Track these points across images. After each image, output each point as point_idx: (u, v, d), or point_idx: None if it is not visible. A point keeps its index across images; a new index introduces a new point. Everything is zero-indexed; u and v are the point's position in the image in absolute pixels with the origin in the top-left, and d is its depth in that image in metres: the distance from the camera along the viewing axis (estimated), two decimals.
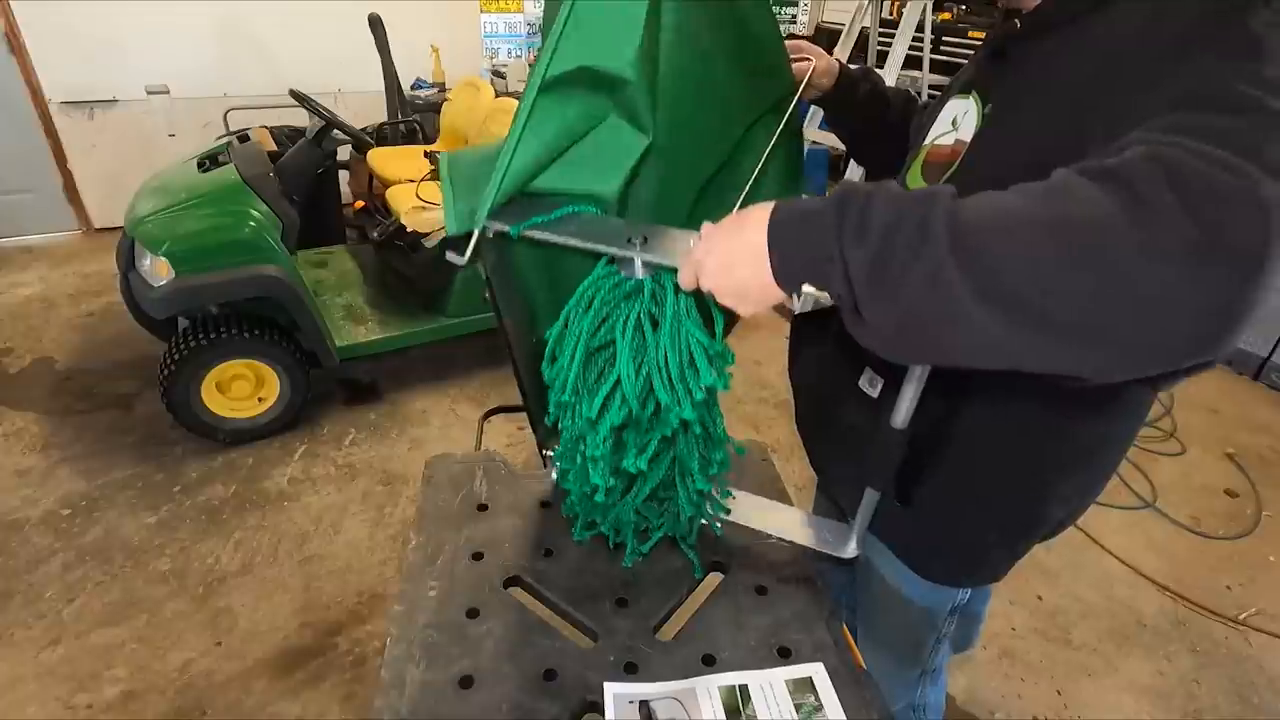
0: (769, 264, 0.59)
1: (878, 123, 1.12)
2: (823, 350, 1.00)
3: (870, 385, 0.91)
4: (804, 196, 0.63)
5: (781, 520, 1.04)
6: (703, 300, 0.72)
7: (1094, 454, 0.85)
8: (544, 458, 1.13)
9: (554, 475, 1.11)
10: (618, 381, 0.80)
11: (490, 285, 0.85)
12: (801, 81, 1.03)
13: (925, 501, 0.90)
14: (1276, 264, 0.42)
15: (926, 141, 0.88)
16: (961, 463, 0.86)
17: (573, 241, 0.75)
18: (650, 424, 0.85)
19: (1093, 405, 0.79)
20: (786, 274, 0.59)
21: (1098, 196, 0.44)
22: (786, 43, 1.01)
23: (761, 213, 0.60)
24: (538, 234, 0.76)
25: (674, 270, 0.71)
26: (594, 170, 0.78)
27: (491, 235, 0.76)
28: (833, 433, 1.03)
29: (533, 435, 1.11)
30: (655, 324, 0.77)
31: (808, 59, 1.04)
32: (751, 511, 1.05)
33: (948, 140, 0.83)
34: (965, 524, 0.91)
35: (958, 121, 0.83)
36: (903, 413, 0.78)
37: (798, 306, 0.61)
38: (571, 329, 0.81)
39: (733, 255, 0.62)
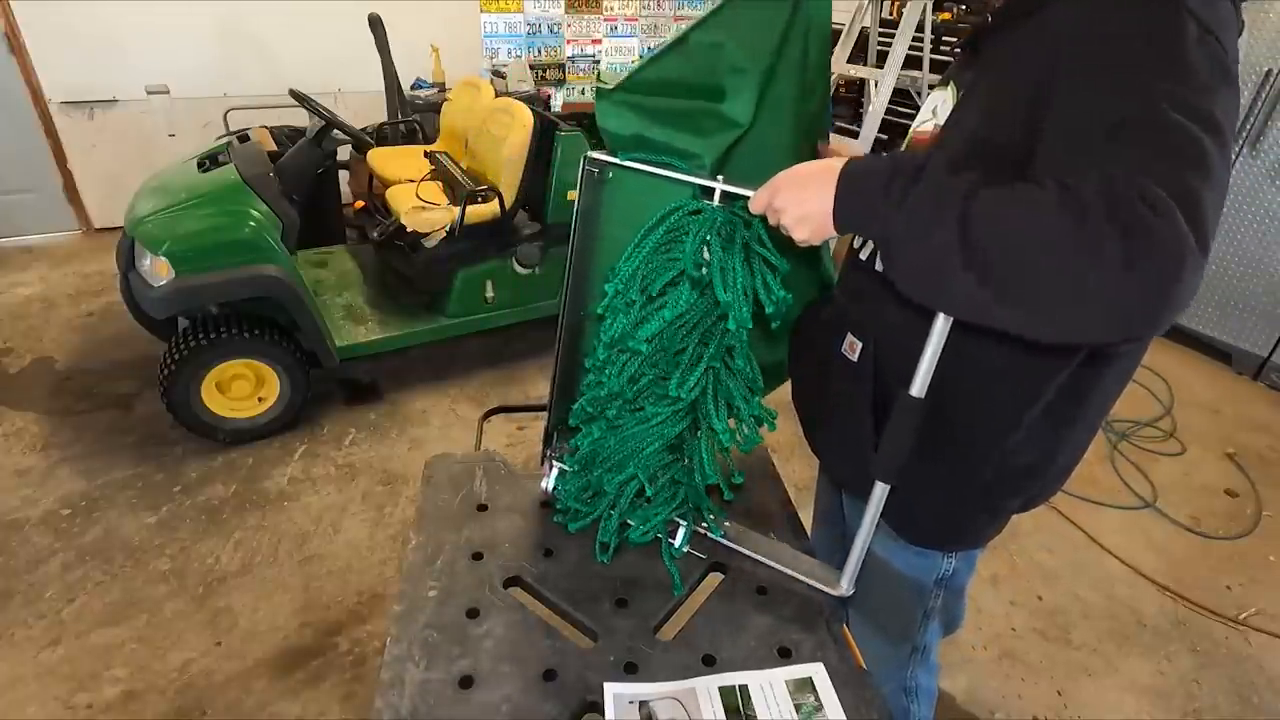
0: (833, 197, 0.73)
1: None
2: (815, 325, 1.07)
3: (850, 350, 0.95)
4: (882, 154, 0.77)
5: (778, 552, 1.04)
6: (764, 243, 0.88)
7: (1066, 402, 0.87)
8: (543, 455, 1.13)
9: (553, 477, 1.11)
10: (678, 277, 0.90)
11: (575, 227, 1.00)
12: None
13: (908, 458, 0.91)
14: (1181, 287, 0.56)
15: (912, 128, 0.97)
16: (937, 413, 0.88)
17: (664, 172, 0.90)
18: (695, 353, 0.94)
19: (1060, 355, 0.84)
20: (841, 213, 0.73)
21: (1063, 217, 0.58)
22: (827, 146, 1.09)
23: (839, 161, 0.75)
24: (636, 165, 0.92)
25: (747, 201, 0.83)
26: (701, 135, 0.90)
27: (598, 172, 0.96)
28: (821, 403, 1.06)
29: (533, 436, 1.11)
30: (723, 250, 0.88)
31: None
32: (745, 541, 1.06)
33: (928, 127, 0.91)
34: (943, 478, 0.93)
35: (937, 110, 0.90)
36: (920, 380, 0.79)
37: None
38: (644, 240, 0.92)
39: (810, 180, 0.76)
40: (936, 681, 1.23)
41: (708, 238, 0.88)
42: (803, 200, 0.76)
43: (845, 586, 0.97)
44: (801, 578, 1.00)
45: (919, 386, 0.79)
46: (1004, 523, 1.01)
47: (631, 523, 1.04)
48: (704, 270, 0.89)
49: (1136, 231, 0.55)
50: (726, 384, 0.96)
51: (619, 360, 0.96)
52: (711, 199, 0.88)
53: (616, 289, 0.93)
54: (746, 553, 1.04)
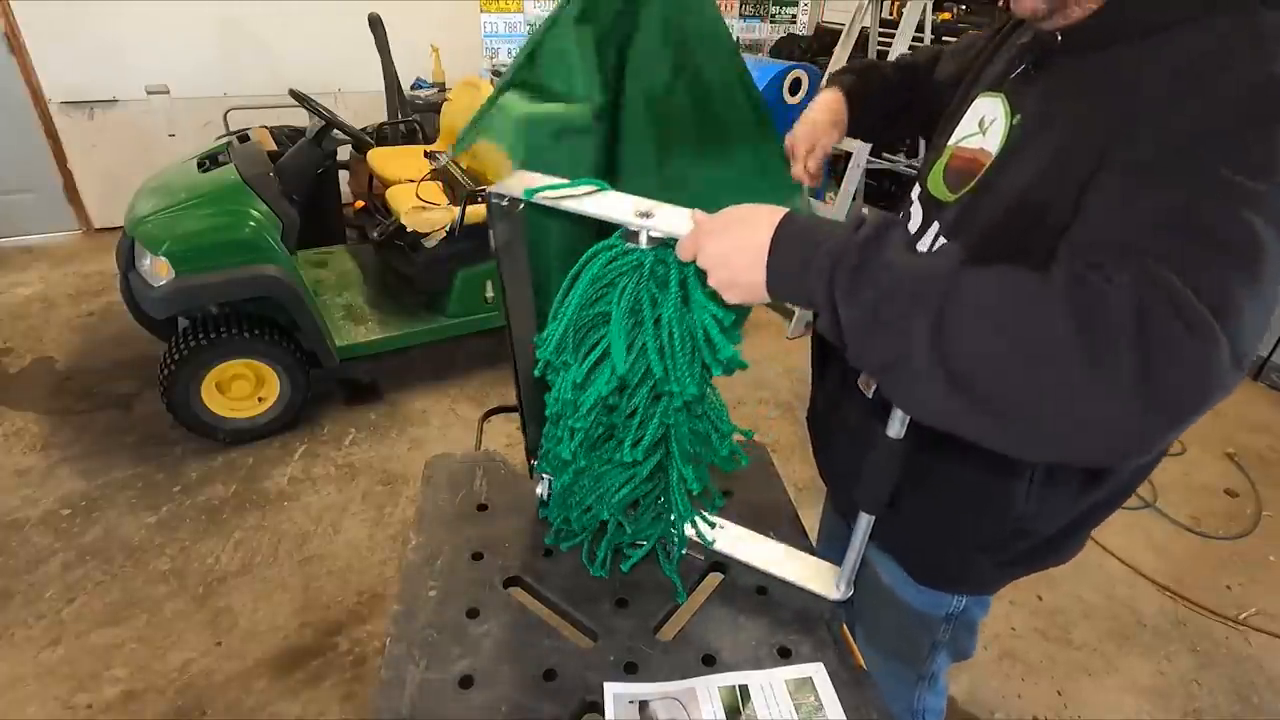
0: (764, 268, 0.62)
1: (897, 115, 1.11)
2: (832, 349, 1.03)
3: (866, 385, 0.93)
4: (815, 208, 0.65)
5: (770, 556, 1.04)
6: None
7: (1067, 471, 0.83)
8: (530, 467, 1.11)
9: (540, 489, 1.10)
10: (607, 350, 0.79)
11: (499, 265, 0.87)
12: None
13: (911, 505, 0.90)
14: (1197, 416, 0.49)
15: (951, 142, 0.85)
16: (941, 467, 0.85)
17: (580, 208, 0.77)
18: (647, 412, 0.84)
19: None
20: (775, 289, 0.63)
21: (1070, 323, 0.49)
22: (790, 142, 1.02)
23: (773, 215, 0.63)
24: (547, 201, 0.78)
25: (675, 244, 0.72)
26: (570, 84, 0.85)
27: (506, 204, 0.81)
28: (832, 430, 1.05)
29: (524, 442, 1.09)
30: (655, 302, 0.77)
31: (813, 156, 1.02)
32: (740, 544, 1.05)
33: (973, 144, 0.81)
34: (948, 528, 0.91)
35: (985, 124, 0.80)
36: (898, 421, 0.77)
37: (791, 330, 0.62)
38: (569, 294, 0.81)
39: (736, 243, 0.64)
40: (945, 701, 1.21)
41: (637, 287, 0.77)
42: (729, 265, 0.65)
43: (842, 590, 0.97)
44: (798, 583, 1.00)
45: (896, 428, 0.76)
46: (1009, 578, 0.96)
47: (625, 537, 1.02)
48: (637, 331, 0.78)
49: (1163, 355, 0.47)
50: (686, 434, 0.88)
51: (564, 429, 0.88)
52: (638, 239, 0.76)
53: (547, 358, 0.84)
54: (742, 560, 1.03)
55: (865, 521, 0.88)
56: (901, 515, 0.91)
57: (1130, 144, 0.59)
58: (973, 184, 0.78)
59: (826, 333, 0.60)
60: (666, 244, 0.75)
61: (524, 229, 0.86)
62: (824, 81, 1.08)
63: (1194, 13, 0.62)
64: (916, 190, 0.91)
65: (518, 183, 0.82)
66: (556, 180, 0.80)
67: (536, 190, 0.79)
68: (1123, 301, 0.49)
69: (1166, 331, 0.48)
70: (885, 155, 4.68)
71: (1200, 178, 0.54)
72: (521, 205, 0.81)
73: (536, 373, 0.88)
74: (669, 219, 0.74)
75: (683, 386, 0.76)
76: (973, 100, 0.84)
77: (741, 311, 0.78)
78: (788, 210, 0.64)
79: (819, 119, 1.03)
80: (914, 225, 0.87)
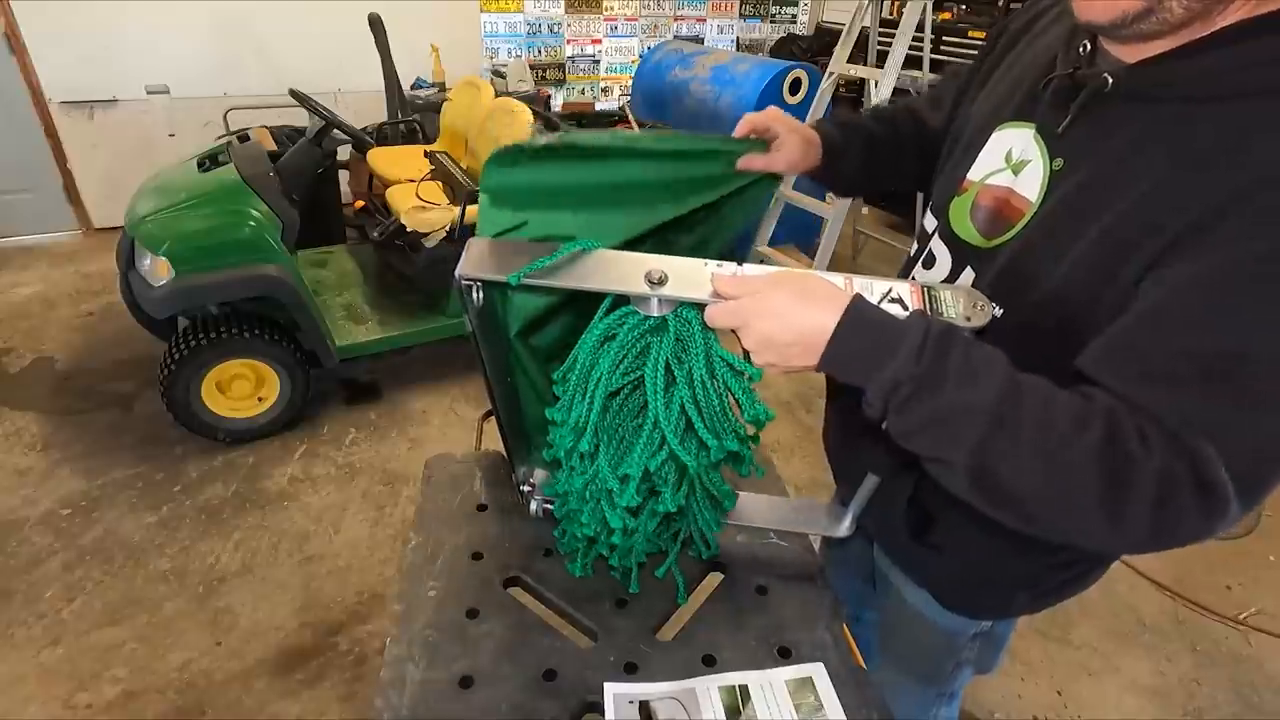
0: (821, 353, 0.61)
1: (884, 167, 1.02)
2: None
3: None
4: (880, 299, 0.66)
5: (772, 511, 1.03)
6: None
7: None
8: (521, 493, 1.10)
9: (534, 509, 1.08)
10: (653, 424, 0.75)
11: (477, 342, 0.82)
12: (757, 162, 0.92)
13: (951, 543, 0.88)
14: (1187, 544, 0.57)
15: (975, 177, 0.78)
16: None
17: (580, 285, 0.70)
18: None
19: None
20: (826, 371, 0.63)
21: (1100, 488, 0.54)
22: (748, 118, 0.91)
23: (835, 299, 0.60)
24: (541, 281, 0.70)
25: (696, 305, 0.69)
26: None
27: (479, 288, 0.75)
28: (850, 431, 1.02)
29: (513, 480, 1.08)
30: (682, 361, 0.73)
31: (772, 137, 0.91)
32: (741, 508, 1.04)
33: (1001, 181, 0.74)
34: (981, 562, 0.88)
35: (1014, 160, 0.72)
36: None
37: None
38: (584, 367, 0.76)
39: (789, 324, 0.61)
40: (958, 712, 1.19)
41: (662, 350, 0.72)
42: (781, 349, 0.62)
43: (846, 526, 0.96)
44: (800, 529, 1.01)
45: None
46: (1042, 607, 0.94)
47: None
48: (672, 391, 0.74)
49: (1172, 520, 0.53)
50: (712, 479, 0.87)
51: (610, 508, 0.84)
52: (650, 306, 0.71)
53: (580, 448, 0.79)
54: (737, 521, 1.02)
55: (872, 481, 0.88)
56: (940, 554, 0.89)
57: (1200, 248, 0.52)
58: (1013, 233, 0.71)
59: (871, 416, 0.61)
60: (686, 304, 0.71)
61: (500, 296, 0.82)
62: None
63: None
64: (932, 223, 0.84)
65: (485, 255, 0.73)
66: (537, 255, 0.70)
67: (523, 272, 0.70)
68: (1152, 473, 0.52)
69: (1182, 503, 0.52)
70: None
71: (1267, 316, 0.50)
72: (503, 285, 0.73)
73: (548, 456, 0.87)
74: (686, 283, 0.68)
75: (722, 441, 0.75)
76: (994, 129, 0.76)
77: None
78: (851, 297, 0.60)
79: (791, 125, 0.93)
80: (941, 269, 0.82)
